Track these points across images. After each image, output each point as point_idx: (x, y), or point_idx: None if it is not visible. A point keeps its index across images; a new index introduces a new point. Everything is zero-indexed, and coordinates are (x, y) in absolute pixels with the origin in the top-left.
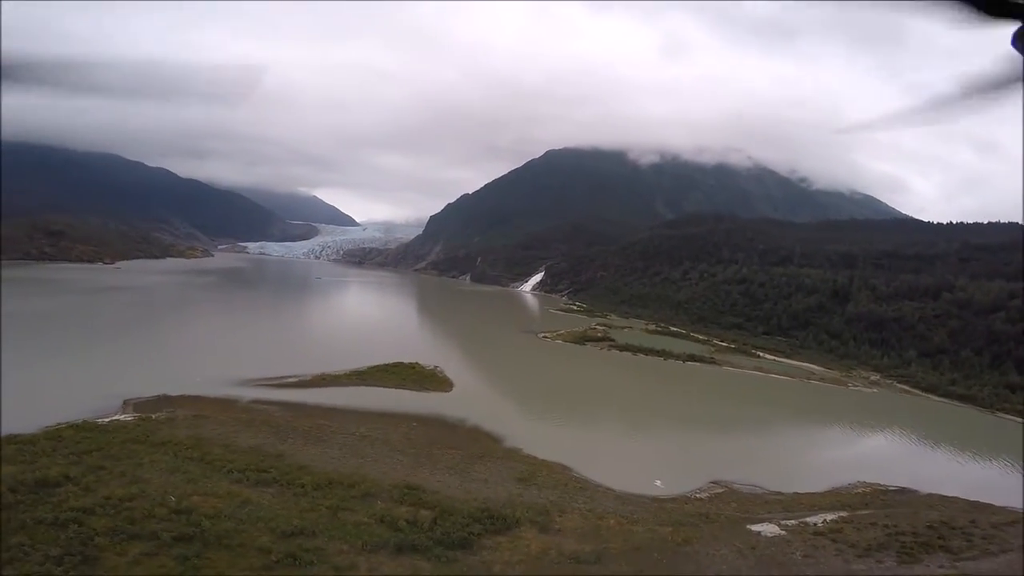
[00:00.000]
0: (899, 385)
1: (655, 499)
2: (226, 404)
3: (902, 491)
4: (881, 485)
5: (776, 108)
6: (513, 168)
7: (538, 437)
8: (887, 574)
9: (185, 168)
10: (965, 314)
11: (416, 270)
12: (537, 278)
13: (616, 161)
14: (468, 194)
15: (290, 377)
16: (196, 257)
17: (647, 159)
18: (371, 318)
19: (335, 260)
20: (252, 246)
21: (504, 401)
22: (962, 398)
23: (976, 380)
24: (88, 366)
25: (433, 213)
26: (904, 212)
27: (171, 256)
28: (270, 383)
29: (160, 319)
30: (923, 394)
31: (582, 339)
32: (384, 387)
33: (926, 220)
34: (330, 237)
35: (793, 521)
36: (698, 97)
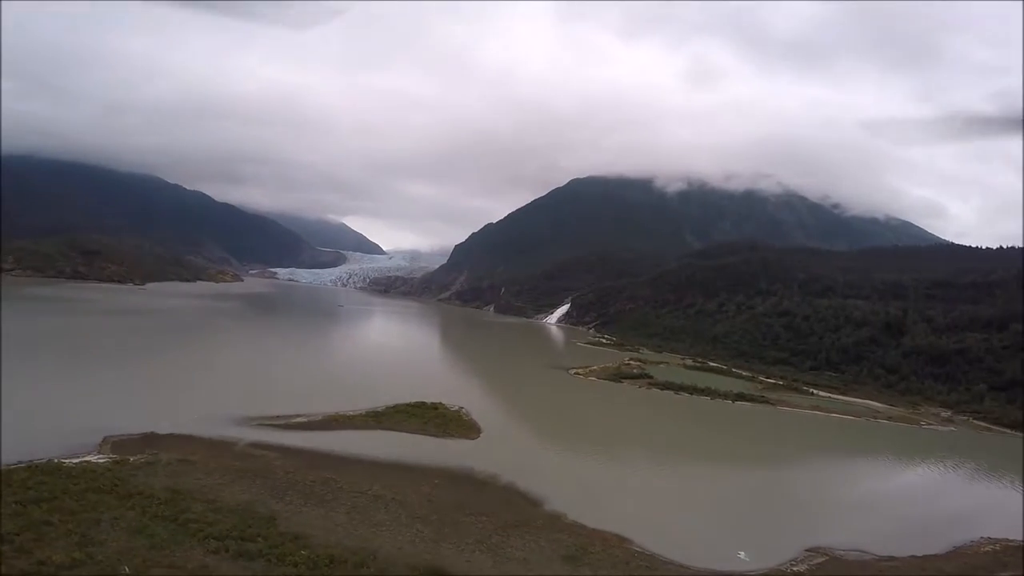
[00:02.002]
0: (975, 422)
1: None
2: (219, 447)
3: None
4: (1009, 541)
5: (807, 131)
6: (537, 197)
7: (585, 497)
8: None
9: (221, 192)
10: None
11: (440, 300)
12: (563, 310)
13: (642, 189)
14: (492, 223)
15: (298, 416)
16: (226, 281)
17: (674, 187)
18: (392, 350)
19: (361, 288)
20: (282, 272)
21: (540, 450)
22: None
23: None
24: (75, 394)
25: (458, 242)
26: (943, 238)
27: (202, 279)
28: (274, 423)
29: (169, 344)
30: (1004, 430)
31: (617, 376)
32: (403, 432)
33: (969, 245)
34: (357, 265)
35: None
36: (726, 123)
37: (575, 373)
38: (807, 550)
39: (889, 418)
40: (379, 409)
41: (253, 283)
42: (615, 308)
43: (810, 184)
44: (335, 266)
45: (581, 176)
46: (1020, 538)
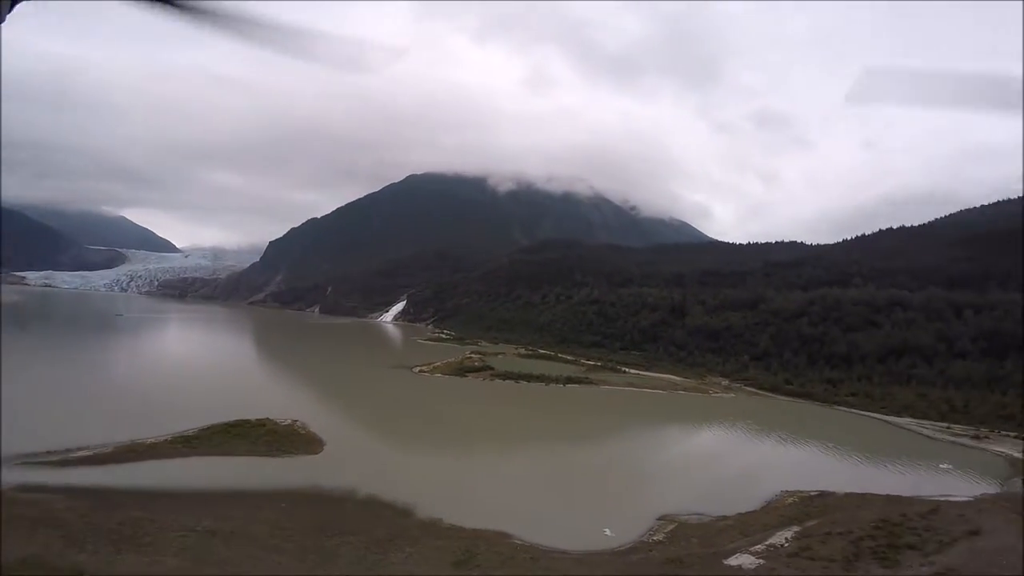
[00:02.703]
0: (747, 388)
1: (615, 552)
2: None
3: (822, 495)
4: (803, 492)
5: (615, 140)
6: (370, 192)
7: (455, 498)
8: None
9: None
10: (777, 320)
11: (253, 303)
12: (399, 307)
13: (477, 188)
14: (317, 218)
15: (80, 449)
16: None
17: (505, 186)
18: (198, 364)
19: (148, 293)
20: (33, 276)
21: (396, 455)
22: (801, 395)
23: (802, 377)
24: None
25: (273, 238)
26: (710, 236)
27: None
28: (46, 460)
29: None
30: (769, 394)
31: (461, 370)
32: (227, 456)
33: (728, 241)
34: (141, 265)
35: (760, 546)
36: (553, 128)
37: (419, 371)
38: (658, 519)
39: (685, 389)
40: (190, 433)
41: None
42: (452, 303)
43: (614, 188)
44: (111, 267)
45: (418, 173)
46: (811, 489)
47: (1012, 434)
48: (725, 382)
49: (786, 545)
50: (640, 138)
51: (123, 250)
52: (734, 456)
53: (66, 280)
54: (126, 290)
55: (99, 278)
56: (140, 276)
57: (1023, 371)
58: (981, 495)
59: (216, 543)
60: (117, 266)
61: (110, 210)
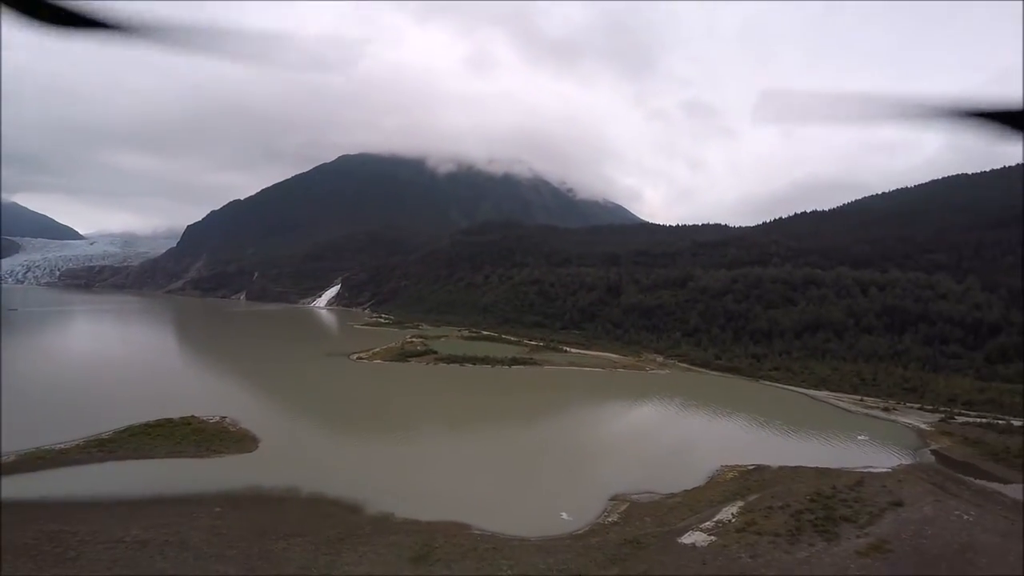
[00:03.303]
0: (680, 364)
1: (574, 536)
2: None
3: (759, 468)
4: (741, 466)
5: (554, 124)
6: (299, 172)
7: (408, 491)
8: (826, 555)
9: None
10: (705, 298)
11: (170, 291)
12: (333, 292)
13: (414, 169)
14: (240, 200)
15: None
16: None
17: (444, 168)
18: (107, 360)
19: (48, 284)
20: None
21: (339, 448)
22: (729, 370)
23: (729, 352)
24: None
25: (192, 222)
26: (642, 217)
27: None
28: None
29: None
30: (700, 370)
31: (403, 355)
32: (151, 458)
33: (658, 223)
34: (39, 254)
35: (709, 523)
36: (494, 110)
37: (358, 358)
38: (610, 499)
39: (624, 367)
40: (105, 436)
41: None
42: (390, 286)
43: (552, 170)
44: (4, 256)
45: (351, 153)
46: (748, 463)
47: (915, 406)
48: (660, 358)
49: (733, 520)
50: (578, 122)
51: (17, 238)
52: (675, 431)
53: None
54: (22, 282)
55: None
56: (39, 266)
57: (921, 346)
58: (898, 466)
59: (150, 554)
60: (11, 255)
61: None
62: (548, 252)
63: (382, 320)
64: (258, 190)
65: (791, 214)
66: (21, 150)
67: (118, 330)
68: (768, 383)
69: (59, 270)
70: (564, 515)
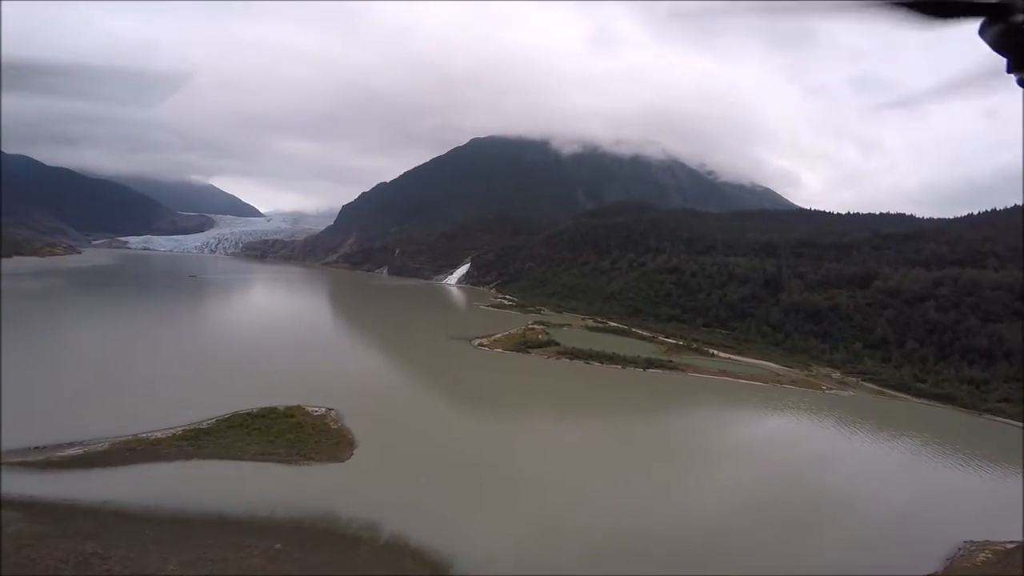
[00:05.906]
0: (867, 384)
1: None
2: None
3: (1020, 547)
4: (991, 543)
5: (690, 103)
6: (435, 156)
7: (518, 547)
8: None
9: (52, 156)
10: (897, 303)
11: (326, 263)
12: (463, 270)
13: (539, 151)
14: (385, 182)
15: (72, 445)
16: (56, 255)
17: (569, 149)
18: (250, 330)
19: (234, 254)
20: (134, 240)
21: (440, 471)
22: (939, 398)
23: (934, 374)
24: None
25: (346, 202)
26: (796, 204)
27: (23, 254)
28: (29, 460)
29: None
30: (896, 393)
31: (523, 345)
32: (235, 460)
33: (821, 210)
34: (228, 229)
35: None
36: (620, 89)
37: (479, 344)
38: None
39: (792, 382)
40: (204, 425)
41: (95, 255)
42: (515, 267)
43: (689, 151)
44: (202, 231)
45: (481, 136)
46: (1003, 539)
47: None
48: (837, 374)
49: None
50: (718, 100)
51: (212, 215)
52: (897, 488)
53: (163, 244)
54: (214, 252)
55: (191, 241)
56: (227, 239)
57: None
58: None
59: None
60: (207, 230)
61: (199, 179)
62: (688, 238)
63: (505, 302)
64: (401, 173)
65: (1004, 207)
66: (210, 138)
67: (270, 299)
68: (997, 419)
69: (242, 243)
70: None
